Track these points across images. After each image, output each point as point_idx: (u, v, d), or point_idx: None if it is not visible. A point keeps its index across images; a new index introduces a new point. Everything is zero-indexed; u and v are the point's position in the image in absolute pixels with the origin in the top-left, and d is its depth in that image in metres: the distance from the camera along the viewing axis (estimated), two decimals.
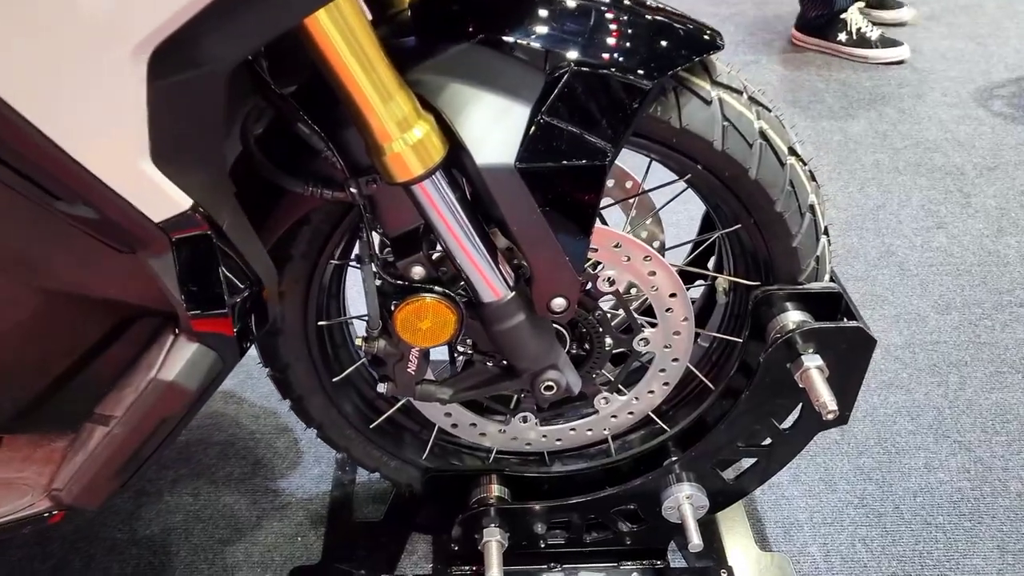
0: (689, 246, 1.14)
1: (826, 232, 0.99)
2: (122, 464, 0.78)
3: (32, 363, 0.81)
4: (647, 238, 1.13)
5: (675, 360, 1.05)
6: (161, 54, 0.61)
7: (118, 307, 0.79)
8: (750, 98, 0.93)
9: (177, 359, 0.74)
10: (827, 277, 1.01)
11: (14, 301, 0.75)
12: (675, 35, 0.87)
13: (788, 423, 1.06)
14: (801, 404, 1.03)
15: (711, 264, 1.17)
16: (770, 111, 0.94)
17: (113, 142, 0.63)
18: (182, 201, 0.68)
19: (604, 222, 0.99)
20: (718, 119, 0.89)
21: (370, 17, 0.86)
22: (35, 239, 0.71)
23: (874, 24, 2.93)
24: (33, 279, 0.74)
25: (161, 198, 0.67)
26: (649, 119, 0.88)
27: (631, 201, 1.08)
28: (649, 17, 0.88)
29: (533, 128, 0.81)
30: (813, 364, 0.96)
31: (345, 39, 0.73)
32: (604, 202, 0.98)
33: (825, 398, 0.93)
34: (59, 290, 0.75)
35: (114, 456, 0.77)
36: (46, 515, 0.80)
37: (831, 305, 1.00)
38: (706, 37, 0.88)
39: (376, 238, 0.93)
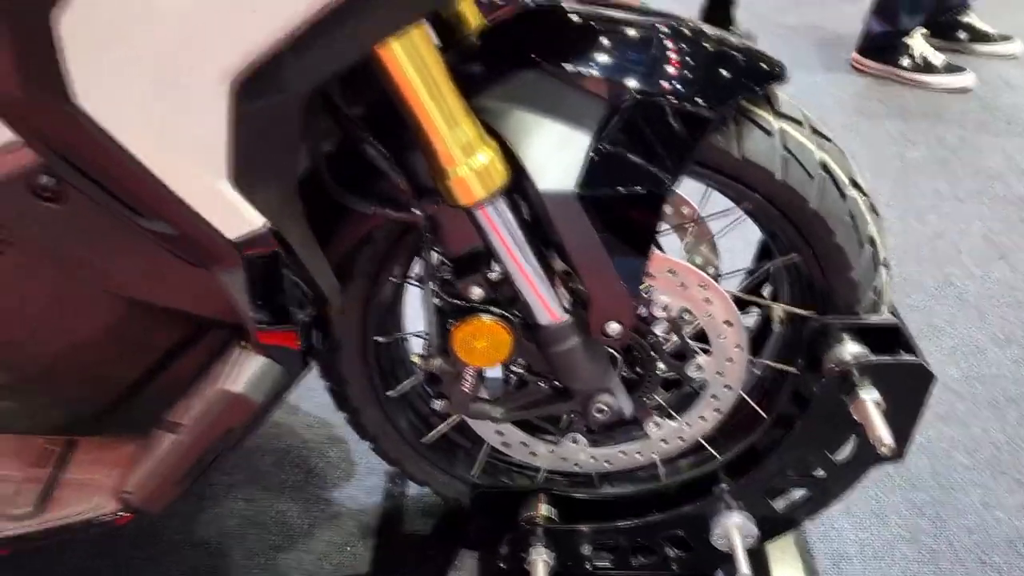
0: (743, 272, 1.14)
1: (886, 264, 0.99)
2: (188, 470, 0.81)
3: (108, 369, 0.84)
4: (702, 263, 1.13)
5: (727, 387, 1.05)
6: (245, 82, 0.64)
7: (189, 318, 0.82)
8: (812, 129, 0.93)
9: (244, 371, 0.77)
10: (886, 309, 1.01)
11: (94, 310, 0.79)
12: (738, 65, 0.88)
13: (842, 455, 1.05)
14: (856, 437, 1.02)
15: (766, 291, 1.17)
16: (831, 142, 0.94)
17: (195, 163, 0.67)
18: (255, 220, 0.71)
19: (660, 248, 1.00)
20: (779, 150, 0.89)
21: (438, 43, 0.89)
22: (116, 252, 0.75)
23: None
24: (110, 288, 0.78)
25: (236, 217, 0.70)
26: (709, 147, 0.88)
27: (687, 226, 1.09)
28: (711, 47, 0.89)
29: (594, 156, 0.83)
30: (870, 398, 0.95)
31: (415, 67, 0.75)
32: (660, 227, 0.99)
33: (881, 433, 0.92)
34: (136, 300, 0.78)
35: (180, 462, 0.80)
36: (115, 517, 0.83)
37: (889, 338, 0.99)
38: (769, 68, 0.89)
39: (435, 257, 0.95)
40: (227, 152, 0.67)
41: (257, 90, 0.65)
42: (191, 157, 0.66)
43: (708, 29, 0.92)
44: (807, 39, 3.13)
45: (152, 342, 0.83)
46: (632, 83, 0.83)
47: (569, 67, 0.84)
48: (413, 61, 0.75)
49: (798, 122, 0.92)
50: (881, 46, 2.87)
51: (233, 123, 0.65)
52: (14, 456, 0.87)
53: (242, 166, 0.68)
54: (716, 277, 1.14)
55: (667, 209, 1.12)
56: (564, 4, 0.92)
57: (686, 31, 0.90)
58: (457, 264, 0.92)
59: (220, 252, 0.72)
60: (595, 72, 0.84)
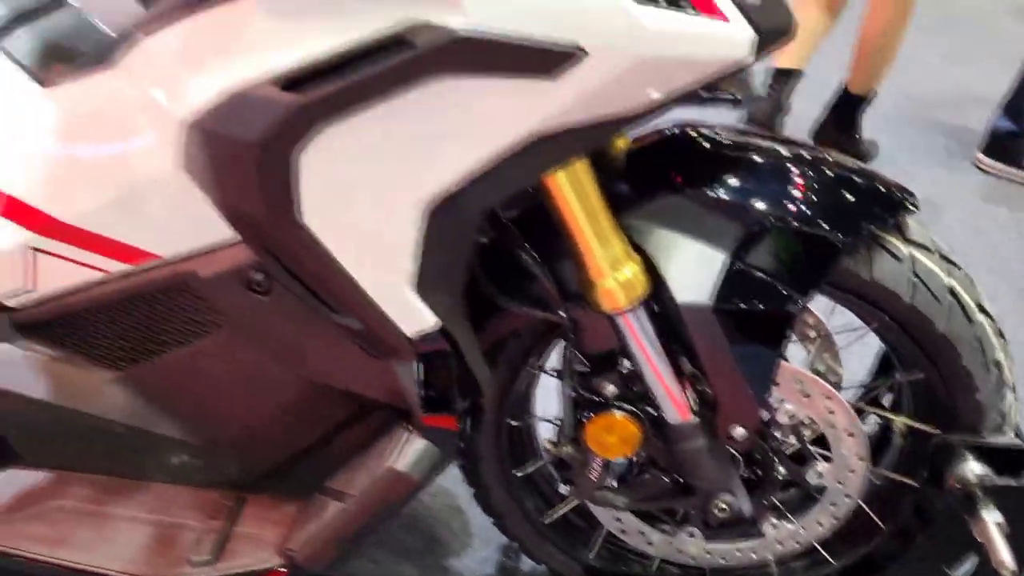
0: (867, 379, 1.18)
1: (1012, 388, 1.01)
2: (349, 536, 0.90)
3: (283, 436, 0.96)
4: (825, 371, 1.17)
5: (847, 496, 1.08)
6: (436, 206, 0.75)
7: (358, 399, 0.92)
8: (941, 255, 0.97)
9: (408, 452, 0.87)
10: (1011, 432, 1.02)
11: (282, 387, 0.90)
12: (869, 194, 0.94)
13: (960, 572, 1.06)
14: (976, 556, 1.03)
15: (886, 400, 1.19)
16: (960, 269, 0.99)
17: (387, 270, 0.78)
18: (429, 320, 0.81)
19: (785, 358, 1.05)
20: (908, 275, 0.94)
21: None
22: (309, 340, 0.86)
23: None
24: (299, 369, 0.89)
25: (414, 317, 0.81)
26: (840, 268, 0.94)
27: (813, 338, 1.13)
28: (845, 175, 0.95)
29: (729, 273, 0.90)
30: (993, 520, 0.96)
31: (576, 193, 0.85)
32: None
33: (1004, 556, 0.93)
34: (317, 380, 0.90)
35: (344, 528, 0.89)
36: (278, 571, 0.94)
37: (1014, 460, 1.00)
38: (900, 198, 0.94)
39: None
40: (413, 261, 0.77)
41: (444, 212, 0.76)
42: (384, 265, 0.77)
43: (840, 157, 0.99)
44: (930, 137, 3.12)
45: (324, 416, 0.94)
46: (765, 208, 0.91)
47: (706, 191, 0.92)
48: (575, 188, 0.85)
49: (928, 249, 0.97)
50: (1006, 146, 2.84)
51: (421, 238, 0.76)
52: (194, 507, 0.99)
53: (423, 273, 0.79)
54: (838, 386, 1.18)
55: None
56: (703, 128, 1.01)
57: (819, 158, 0.97)
58: (594, 362, 1.00)
59: (398, 346, 0.82)
60: (731, 196, 0.92)
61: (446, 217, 0.76)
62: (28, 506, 0.98)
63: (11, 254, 0.91)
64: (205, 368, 0.92)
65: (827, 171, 0.95)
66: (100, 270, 0.90)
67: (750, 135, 1.02)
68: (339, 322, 0.83)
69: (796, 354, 1.18)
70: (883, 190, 0.95)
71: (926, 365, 0.99)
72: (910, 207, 0.94)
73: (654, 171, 0.97)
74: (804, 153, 0.97)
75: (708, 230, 0.91)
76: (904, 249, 0.95)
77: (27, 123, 0.92)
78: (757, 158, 0.96)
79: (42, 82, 0.94)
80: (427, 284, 0.80)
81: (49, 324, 0.95)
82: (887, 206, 0.94)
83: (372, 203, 0.73)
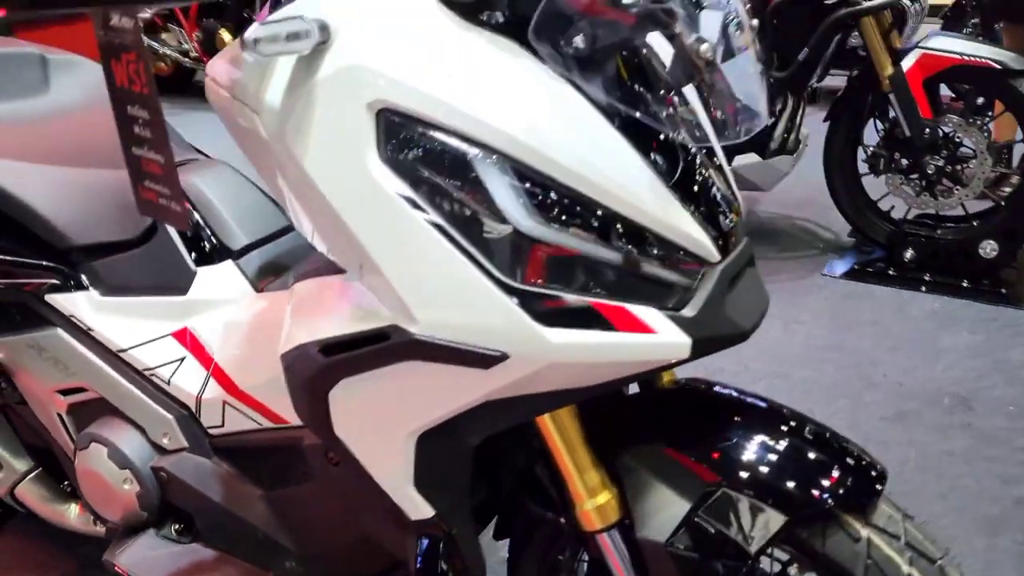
0: None
1: None
2: None
3: (357, 560, 1.29)
4: None
5: None
6: (424, 434, 1.04)
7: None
8: (908, 543, 1.03)
9: None
10: None
11: (351, 525, 1.24)
12: (841, 475, 1.04)
13: None
14: None
15: None
16: (934, 562, 1.02)
17: (393, 473, 1.07)
18: (428, 511, 1.09)
19: None
20: (863, 558, 1.02)
21: None
22: (361, 501, 1.19)
23: None
24: (358, 522, 1.23)
25: (415, 506, 1.09)
26: (794, 534, 1.04)
27: None
28: (825, 452, 1.06)
29: (687, 521, 1.06)
30: None
31: (559, 432, 1.08)
32: None
33: None
34: (369, 533, 1.22)
35: None
36: None
37: None
38: (872, 483, 1.03)
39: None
40: (410, 468, 1.06)
41: (432, 440, 1.04)
42: (390, 468, 1.07)
43: (832, 433, 1.09)
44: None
45: (380, 553, 1.25)
46: (732, 470, 1.05)
47: (688, 445, 1.09)
48: (557, 428, 1.09)
49: (891, 535, 1.03)
50: None
51: (414, 454, 1.05)
52: None
53: (420, 476, 1.07)
54: None
55: None
56: (715, 387, 1.17)
57: (811, 432, 1.09)
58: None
59: (405, 523, 1.11)
60: (704, 455, 1.08)
61: (435, 443, 1.05)
62: (199, 574, 1.42)
63: (213, 401, 1.36)
64: (310, 502, 1.29)
65: (810, 446, 1.07)
66: (258, 424, 1.32)
67: (753, 400, 1.16)
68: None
69: None
70: (856, 474, 1.04)
71: None
72: (878, 493, 1.02)
73: (638, 421, 1.16)
74: (797, 425, 1.10)
75: (676, 480, 1.08)
76: (863, 531, 1.02)
77: (238, 314, 1.39)
78: (747, 424, 1.11)
79: (256, 288, 1.41)
80: (425, 484, 1.08)
81: (231, 449, 1.40)
82: (855, 490, 1.03)
83: (376, 428, 1.04)
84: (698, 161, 1.00)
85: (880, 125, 3.33)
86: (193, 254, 1.43)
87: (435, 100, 0.87)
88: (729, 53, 0.99)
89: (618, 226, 0.93)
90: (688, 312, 0.94)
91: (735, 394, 1.16)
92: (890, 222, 3.44)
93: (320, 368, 1.01)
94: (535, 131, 0.89)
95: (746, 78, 1.01)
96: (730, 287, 0.99)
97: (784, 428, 1.09)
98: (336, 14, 0.89)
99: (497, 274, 0.90)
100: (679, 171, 0.97)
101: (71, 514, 1.70)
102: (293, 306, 1.12)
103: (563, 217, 0.91)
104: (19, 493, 1.73)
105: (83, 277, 1.47)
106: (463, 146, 0.88)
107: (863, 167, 3.41)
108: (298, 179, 0.94)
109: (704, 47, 0.88)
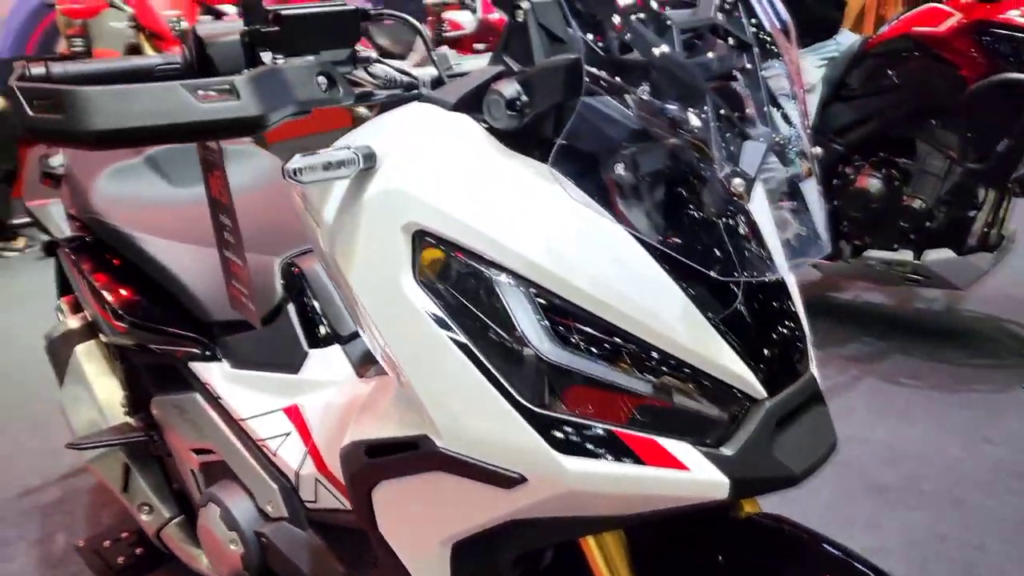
0: None
1: None
2: None
3: None
4: None
5: None
6: (460, 544, 1.04)
7: None
8: None
9: None
10: None
11: None
12: None
13: None
14: None
15: None
16: None
17: (430, 568, 1.09)
18: None
19: None
20: None
21: None
22: None
23: None
24: None
25: None
26: None
27: None
28: None
29: None
30: None
31: (603, 558, 1.04)
32: None
33: None
34: None
35: None
36: None
37: None
38: None
39: None
40: (445, 568, 1.07)
41: (466, 550, 1.05)
42: (429, 573, 1.09)
43: None
44: None
45: None
46: None
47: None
48: (603, 553, 1.05)
49: None
50: None
51: (451, 563, 1.05)
52: None
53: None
54: None
55: None
56: (782, 525, 1.09)
57: None
58: None
59: None
60: None
61: (470, 554, 1.05)
62: None
63: (309, 477, 1.45)
64: None
65: None
66: (343, 504, 1.39)
67: (834, 551, 1.06)
68: None
69: None
70: None
71: None
72: None
73: (714, 549, 1.09)
74: None
75: None
76: None
77: (338, 397, 1.47)
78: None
79: (358, 373, 1.50)
80: None
81: (323, 524, 1.47)
82: None
83: (414, 532, 1.06)
84: (749, 288, 0.95)
85: None
86: (307, 336, 1.55)
87: (464, 225, 0.90)
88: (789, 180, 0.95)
89: (652, 354, 0.90)
90: (727, 450, 0.89)
91: (825, 545, 1.06)
92: None
93: (364, 467, 1.06)
94: (560, 257, 0.89)
95: (808, 203, 0.96)
96: (783, 425, 0.92)
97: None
98: (385, 142, 0.96)
99: (518, 398, 0.90)
100: (729, 301, 0.93)
101: (203, 561, 1.86)
102: (363, 401, 1.18)
103: (589, 344, 0.90)
104: (164, 535, 1.92)
105: (218, 349, 1.63)
106: (489, 269, 0.90)
107: None
108: (347, 291, 1.00)
109: (737, 182, 0.84)
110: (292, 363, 1.55)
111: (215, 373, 1.62)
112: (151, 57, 1.01)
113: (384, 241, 0.94)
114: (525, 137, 0.94)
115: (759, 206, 0.97)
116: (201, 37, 0.97)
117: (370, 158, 0.94)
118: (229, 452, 1.59)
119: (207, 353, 1.64)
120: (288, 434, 1.51)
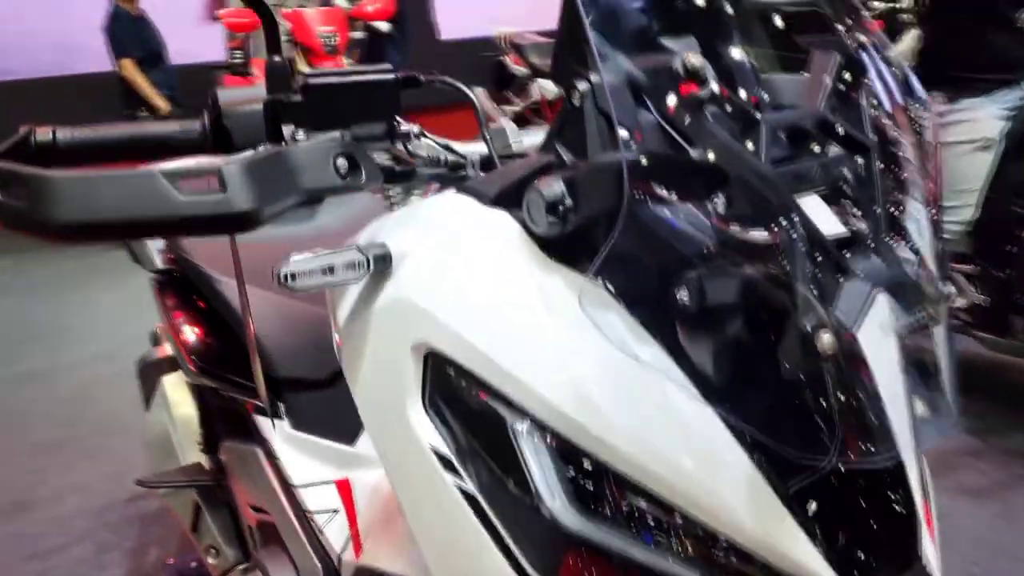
0: None
1: None
2: None
3: None
4: None
5: None
6: None
7: None
8: None
9: None
10: None
11: None
12: None
13: None
14: None
15: None
16: None
17: None
18: None
19: None
20: None
21: None
22: None
23: None
24: None
25: None
26: None
27: None
28: None
29: None
30: None
31: None
32: None
33: None
34: None
35: None
36: None
37: None
38: None
39: None
40: None
41: None
42: None
43: None
44: None
45: None
46: None
47: None
48: None
49: None
50: None
51: None
52: None
53: None
54: None
55: None
56: None
57: None
58: None
59: None
60: None
61: None
62: None
63: (350, 566, 1.33)
64: None
65: None
66: None
67: None
68: None
69: None
70: None
71: None
72: None
73: None
74: None
75: None
76: None
77: (384, 481, 1.34)
78: None
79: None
80: None
81: None
82: None
83: None
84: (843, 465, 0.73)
85: None
86: None
87: (479, 353, 0.74)
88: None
89: (699, 533, 0.71)
90: None
91: None
92: None
93: None
94: (593, 406, 0.71)
95: (936, 357, 0.73)
96: None
97: None
98: (406, 238, 0.81)
99: (526, 567, 0.73)
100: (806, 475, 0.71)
101: None
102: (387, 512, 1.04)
103: (616, 513, 0.71)
104: None
105: (280, 406, 1.55)
106: (504, 410, 0.74)
107: None
108: (356, 403, 0.86)
109: (827, 338, 0.63)
110: (350, 433, 1.44)
111: (276, 431, 1.54)
112: (169, 124, 0.91)
113: (393, 359, 0.80)
114: (571, 244, 0.76)
115: (881, 356, 0.73)
116: (220, 105, 0.86)
117: (383, 260, 0.79)
118: (281, 519, 1.50)
119: (270, 409, 1.55)
120: (336, 511, 1.39)
